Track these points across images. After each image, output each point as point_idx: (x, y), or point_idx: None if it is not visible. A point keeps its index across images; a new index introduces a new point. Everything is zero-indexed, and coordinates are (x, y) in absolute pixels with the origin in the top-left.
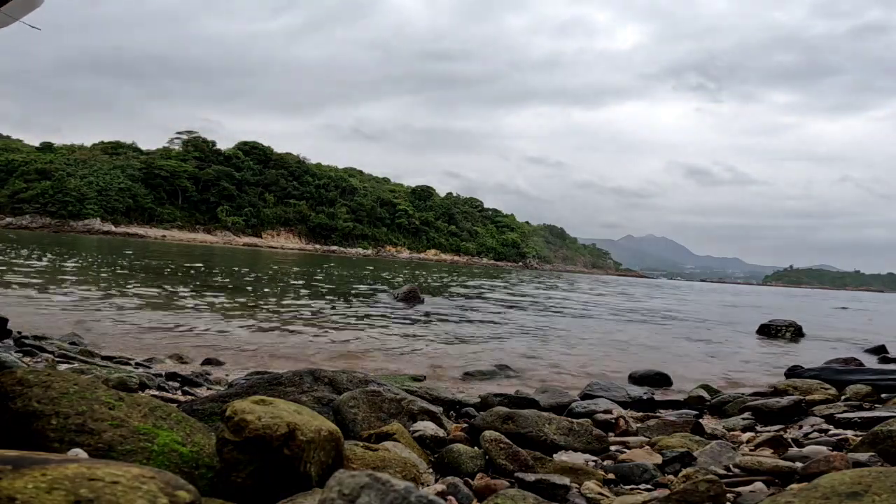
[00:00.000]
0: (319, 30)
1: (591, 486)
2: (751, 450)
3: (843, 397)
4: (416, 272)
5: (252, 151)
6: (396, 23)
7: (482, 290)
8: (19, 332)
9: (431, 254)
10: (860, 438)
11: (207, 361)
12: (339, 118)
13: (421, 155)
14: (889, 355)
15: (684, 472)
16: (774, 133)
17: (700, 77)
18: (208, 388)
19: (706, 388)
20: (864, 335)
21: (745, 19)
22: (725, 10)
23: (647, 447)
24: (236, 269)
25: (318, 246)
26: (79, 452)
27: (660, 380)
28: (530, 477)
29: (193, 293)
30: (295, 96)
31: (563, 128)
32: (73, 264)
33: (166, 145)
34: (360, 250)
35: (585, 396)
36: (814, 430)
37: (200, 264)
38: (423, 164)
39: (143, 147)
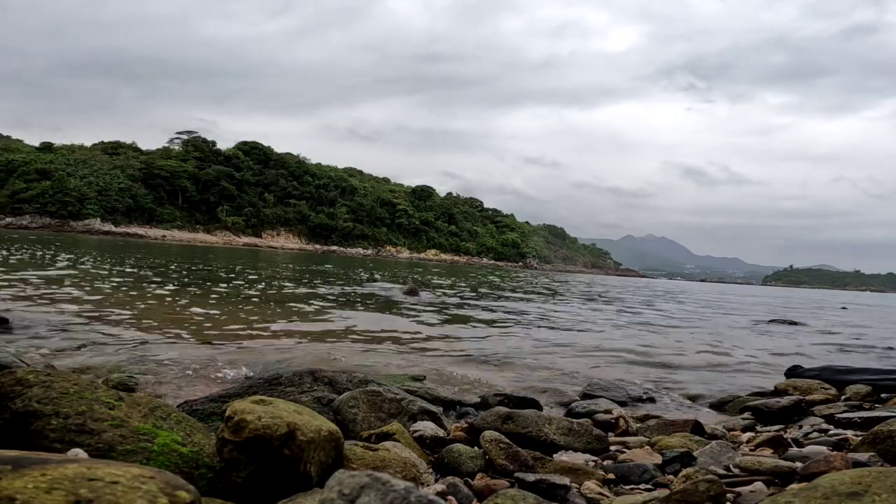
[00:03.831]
0: (315, 32)
1: (590, 486)
2: (751, 450)
3: (843, 397)
4: (416, 272)
5: (252, 151)
6: (392, 25)
7: (481, 289)
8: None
9: (431, 254)
10: (860, 438)
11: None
12: (335, 119)
13: (418, 155)
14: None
15: (684, 472)
16: (769, 133)
17: (692, 78)
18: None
19: (706, 388)
20: (864, 335)
21: (735, 21)
22: (717, 12)
23: (647, 447)
24: (238, 268)
25: (318, 246)
26: (79, 452)
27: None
28: (530, 477)
29: (196, 291)
30: (291, 98)
31: (558, 128)
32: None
33: (166, 145)
34: (361, 250)
35: (585, 396)
36: (814, 430)
37: (202, 263)
38: (421, 164)
39: (143, 147)
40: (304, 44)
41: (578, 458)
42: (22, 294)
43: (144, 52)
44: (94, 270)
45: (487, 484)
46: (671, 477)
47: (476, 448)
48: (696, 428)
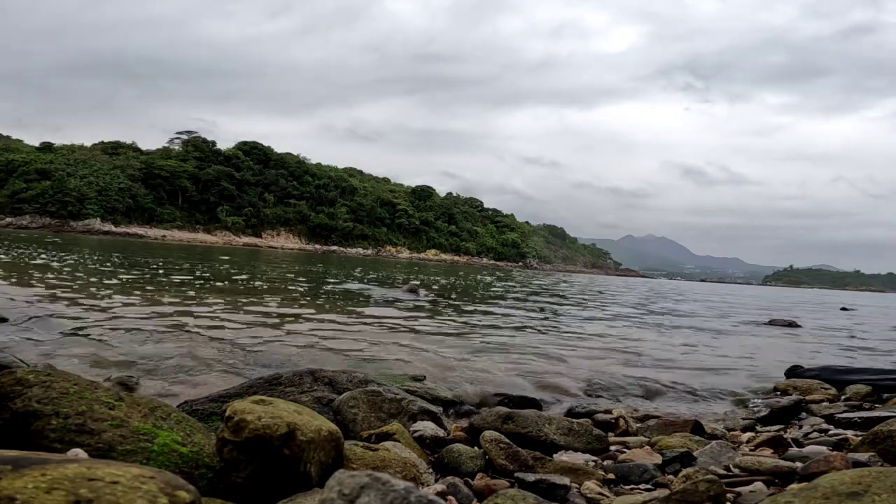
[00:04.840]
0: (314, 33)
1: (590, 486)
2: (751, 450)
3: (843, 397)
4: (416, 272)
5: (252, 151)
6: (391, 26)
7: (480, 289)
8: None
9: (431, 254)
10: (860, 438)
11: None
12: (335, 119)
13: (417, 156)
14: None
15: (684, 472)
16: (768, 133)
17: (691, 78)
18: None
19: (706, 388)
20: (864, 335)
21: (734, 21)
22: (715, 12)
23: (647, 447)
24: (242, 267)
25: (318, 246)
26: (79, 452)
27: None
28: (530, 477)
29: (202, 289)
30: (291, 98)
31: (558, 128)
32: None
33: (166, 145)
34: (361, 250)
35: (585, 396)
36: (814, 430)
37: (199, 262)
38: (420, 164)
39: (143, 147)
40: (303, 44)
41: (578, 458)
42: None
43: (144, 52)
44: (67, 268)
45: (487, 484)
46: (671, 477)
47: (476, 448)
48: (696, 428)
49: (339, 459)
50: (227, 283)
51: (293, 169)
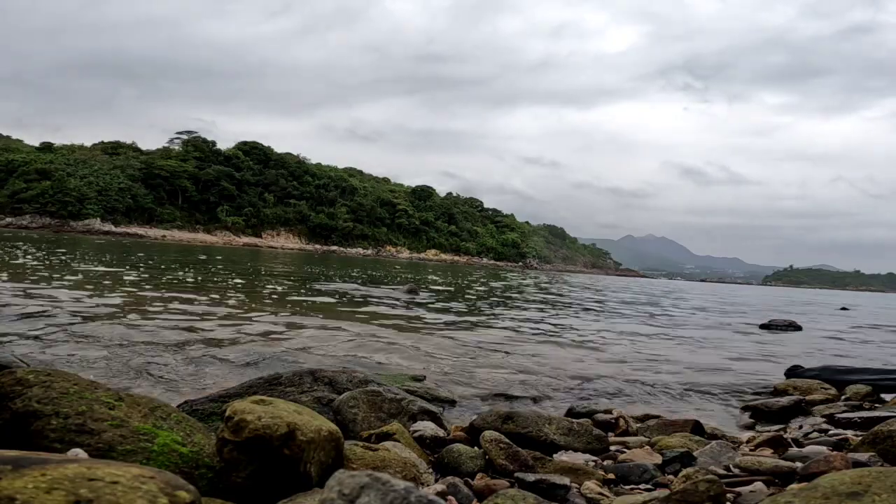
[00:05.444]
0: (314, 33)
1: (590, 486)
2: (751, 450)
3: (843, 397)
4: (416, 272)
5: (252, 151)
6: (391, 26)
7: (480, 289)
8: None
9: (431, 254)
10: (860, 438)
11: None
12: (334, 119)
13: (417, 156)
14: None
15: (684, 472)
16: (767, 133)
17: (689, 78)
18: None
19: (706, 388)
20: (864, 335)
21: (733, 21)
22: (715, 12)
23: (647, 447)
24: (245, 267)
25: (318, 246)
26: (79, 452)
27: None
28: (530, 477)
29: (201, 289)
30: (291, 98)
31: (557, 128)
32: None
33: (166, 145)
34: (361, 250)
35: (585, 396)
36: (814, 430)
37: (205, 263)
38: (420, 164)
39: (143, 147)
40: (302, 44)
41: (578, 458)
42: None
43: (144, 52)
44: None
45: (487, 484)
46: (671, 477)
47: (476, 448)
48: (696, 428)
49: (339, 459)
50: (224, 282)
51: (293, 169)
